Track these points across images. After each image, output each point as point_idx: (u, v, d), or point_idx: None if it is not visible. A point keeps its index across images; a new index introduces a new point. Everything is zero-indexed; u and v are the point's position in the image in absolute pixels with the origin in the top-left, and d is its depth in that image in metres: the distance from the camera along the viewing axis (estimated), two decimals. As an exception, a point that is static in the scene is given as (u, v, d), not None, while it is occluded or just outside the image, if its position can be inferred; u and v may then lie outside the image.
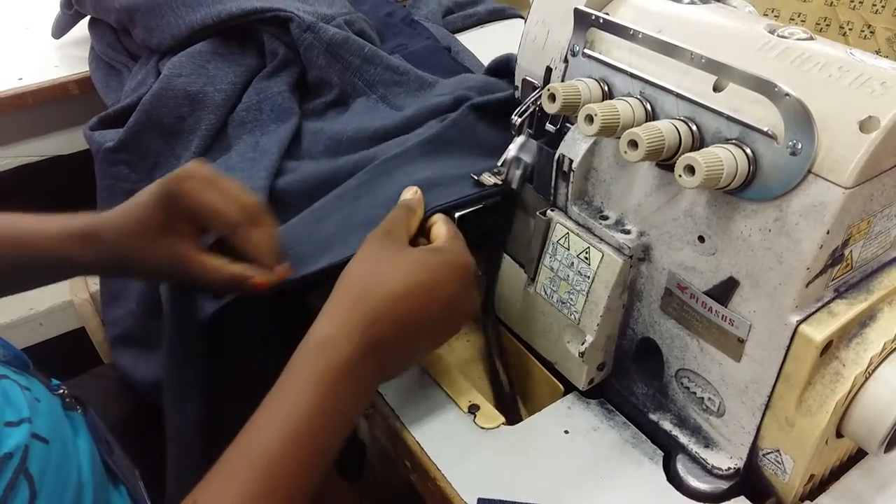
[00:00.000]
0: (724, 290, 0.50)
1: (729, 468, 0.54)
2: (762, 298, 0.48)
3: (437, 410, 0.61)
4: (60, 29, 1.12)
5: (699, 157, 0.43)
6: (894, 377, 0.49)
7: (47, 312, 1.13)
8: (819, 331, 0.47)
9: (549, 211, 0.59)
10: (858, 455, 0.58)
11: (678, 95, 0.49)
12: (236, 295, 0.59)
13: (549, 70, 0.59)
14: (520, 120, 0.60)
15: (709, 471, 0.55)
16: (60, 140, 1.12)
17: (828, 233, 0.44)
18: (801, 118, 0.43)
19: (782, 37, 0.48)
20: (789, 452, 0.51)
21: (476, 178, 0.63)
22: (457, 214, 0.62)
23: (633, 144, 0.46)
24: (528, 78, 0.61)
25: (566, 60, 0.57)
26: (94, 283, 1.13)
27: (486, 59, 1.00)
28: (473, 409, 0.60)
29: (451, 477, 0.55)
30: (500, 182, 0.63)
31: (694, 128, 0.48)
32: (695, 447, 0.56)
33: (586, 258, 0.56)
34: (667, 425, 0.57)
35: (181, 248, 0.58)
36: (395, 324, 0.50)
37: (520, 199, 0.65)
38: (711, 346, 0.52)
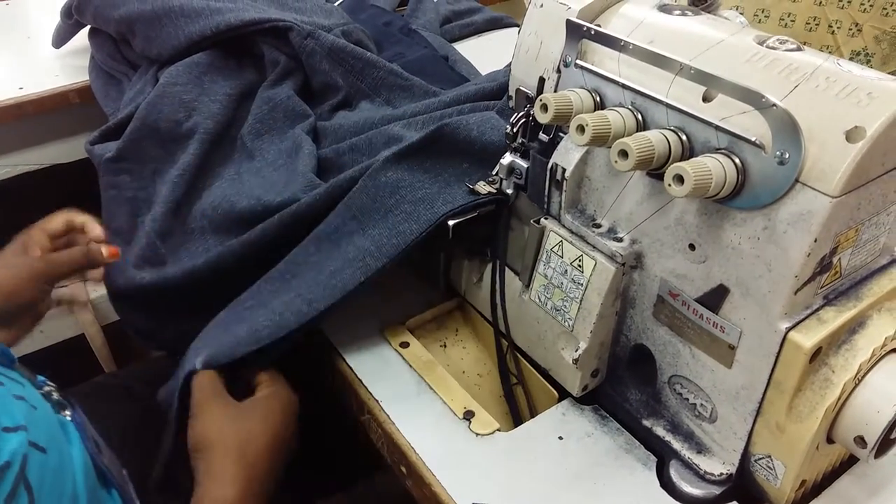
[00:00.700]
0: (715, 298, 0.51)
1: (721, 474, 0.54)
2: (752, 305, 0.49)
3: (433, 416, 0.61)
4: (61, 38, 1.13)
5: (688, 167, 0.44)
6: (883, 383, 0.49)
7: (47, 319, 1.13)
8: (808, 337, 0.47)
9: (542, 219, 0.60)
10: (850, 461, 0.58)
11: (668, 106, 0.49)
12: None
13: (542, 80, 0.59)
14: (513, 129, 0.61)
15: (701, 476, 0.55)
16: (60, 149, 1.13)
17: (815, 241, 0.44)
18: (788, 128, 0.43)
19: (771, 48, 0.49)
20: (781, 458, 0.51)
21: (471, 186, 0.64)
22: (452, 223, 0.62)
23: (624, 154, 0.46)
24: (521, 88, 0.62)
25: (559, 71, 0.57)
26: (93, 289, 1.13)
27: (483, 68, 1.01)
28: (468, 416, 0.61)
29: (445, 482, 0.55)
30: (494, 191, 0.64)
31: (684, 138, 0.49)
32: (687, 453, 0.56)
33: (579, 266, 0.57)
34: (660, 431, 0.58)
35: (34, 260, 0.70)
36: (269, 471, 0.58)
37: (514, 208, 0.65)
38: (703, 353, 0.53)
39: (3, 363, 0.56)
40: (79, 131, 1.10)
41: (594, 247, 0.56)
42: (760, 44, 0.50)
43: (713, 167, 0.45)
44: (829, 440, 0.51)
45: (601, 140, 0.49)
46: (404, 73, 0.88)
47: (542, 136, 0.60)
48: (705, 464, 0.55)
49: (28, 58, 1.16)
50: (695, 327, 0.53)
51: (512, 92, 0.63)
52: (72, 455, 0.55)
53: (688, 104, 0.49)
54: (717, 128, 0.47)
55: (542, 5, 0.59)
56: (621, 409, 0.61)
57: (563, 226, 0.59)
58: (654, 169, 0.48)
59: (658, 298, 0.55)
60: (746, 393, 0.51)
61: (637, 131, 0.50)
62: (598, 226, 0.57)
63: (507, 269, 0.66)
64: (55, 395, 0.60)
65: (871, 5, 1.07)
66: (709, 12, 0.58)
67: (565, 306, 0.58)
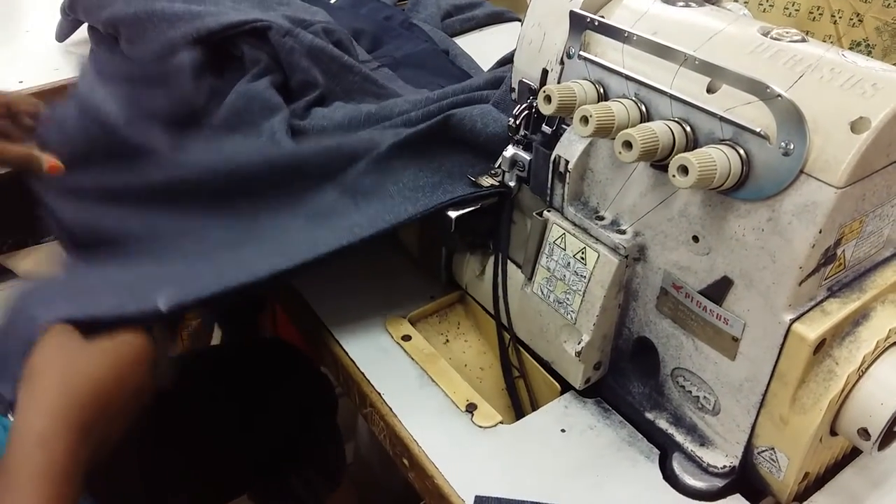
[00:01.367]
0: (719, 290, 0.51)
1: (724, 466, 0.54)
2: (756, 297, 0.49)
3: (435, 409, 0.61)
4: (63, 33, 1.13)
5: (692, 158, 0.44)
6: (887, 375, 0.49)
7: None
8: (812, 329, 0.47)
9: (545, 212, 0.60)
10: (853, 453, 0.58)
11: (672, 97, 0.49)
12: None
13: (545, 72, 0.59)
14: (516, 122, 0.61)
15: (704, 469, 0.55)
16: (61, 143, 1.13)
17: (820, 232, 0.44)
18: (793, 119, 0.43)
19: (775, 38, 0.49)
20: (784, 450, 0.51)
21: (473, 179, 0.64)
22: (454, 215, 0.62)
23: (628, 145, 0.46)
24: (524, 80, 0.62)
25: (562, 62, 0.57)
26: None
27: (484, 63, 1.01)
28: (471, 408, 0.61)
29: (448, 475, 0.55)
30: (497, 183, 0.64)
31: (688, 129, 0.48)
32: (691, 445, 0.56)
33: (582, 258, 0.57)
34: (663, 424, 0.58)
35: None
36: (101, 418, 0.51)
37: (516, 200, 0.65)
38: (706, 345, 0.53)
39: None
40: (79, 125, 1.10)
41: (597, 239, 0.56)
42: (765, 34, 0.50)
43: (717, 158, 0.45)
44: (833, 432, 0.51)
45: (605, 131, 0.49)
46: (379, 82, 0.87)
47: (545, 128, 0.60)
48: (708, 456, 0.55)
49: (28, 51, 1.15)
50: (698, 319, 0.53)
51: (515, 84, 0.63)
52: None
53: (692, 95, 0.48)
54: (722, 119, 0.47)
55: (545, -3, 0.59)
56: (624, 402, 0.61)
57: (566, 218, 0.59)
58: (658, 160, 0.48)
59: (661, 291, 0.55)
60: (750, 385, 0.51)
61: (641, 122, 0.50)
62: (602, 218, 0.57)
63: (509, 261, 0.66)
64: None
65: (874, -5, 1.08)
66: (712, 3, 0.58)
67: (568, 299, 0.58)
